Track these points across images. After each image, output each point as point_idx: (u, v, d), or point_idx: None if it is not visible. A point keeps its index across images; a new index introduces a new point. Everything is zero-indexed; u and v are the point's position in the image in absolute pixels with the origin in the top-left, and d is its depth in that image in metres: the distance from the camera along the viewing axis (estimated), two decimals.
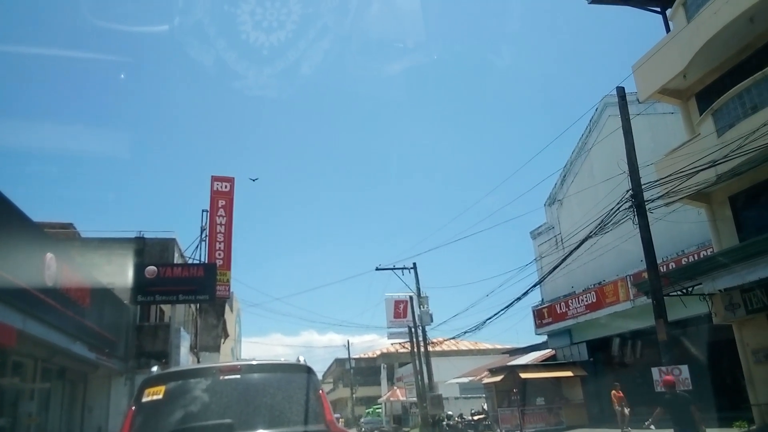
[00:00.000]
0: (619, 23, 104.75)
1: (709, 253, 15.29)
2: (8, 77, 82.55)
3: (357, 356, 58.56)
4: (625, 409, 17.81)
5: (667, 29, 15.68)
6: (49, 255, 10.42)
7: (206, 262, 24.28)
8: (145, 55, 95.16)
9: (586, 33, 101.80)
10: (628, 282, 19.59)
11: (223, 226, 26.21)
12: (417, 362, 30.56)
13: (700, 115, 14.28)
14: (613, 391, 18.34)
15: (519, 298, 19.35)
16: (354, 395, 54.10)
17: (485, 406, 28.76)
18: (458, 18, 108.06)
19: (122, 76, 78.63)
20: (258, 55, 59.71)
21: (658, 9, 16.61)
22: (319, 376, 6.28)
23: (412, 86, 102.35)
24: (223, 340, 32.23)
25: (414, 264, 29.89)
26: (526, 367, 24.63)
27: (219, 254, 25.65)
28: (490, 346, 48.48)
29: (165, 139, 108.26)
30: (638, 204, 12.63)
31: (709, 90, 14.53)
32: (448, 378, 36.22)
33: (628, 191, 13.00)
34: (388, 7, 57.52)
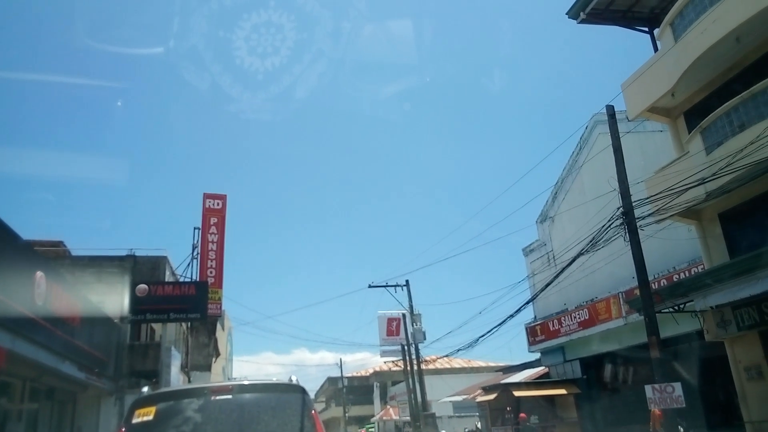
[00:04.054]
0: (609, 43, 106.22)
1: (700, 270, 15.35)
2: (6, 103, 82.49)
3: (349, 375, 58.06)
4: None
5: (655, 48, 15.90)
6: (39, 273, 10.34)
7: (198, 280, 24.14)
8: (141, 77, 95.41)
9: (577, 53, 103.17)
10: (621, 299, 19.60)
11: (215, 244, 26.12)
12: (410, 380, 30.37)
13: (689, 133, 14.42)
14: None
15: (512, 316, 19.26)
16: (347, 414, 53.58)
17: (479, 425, 28.58)
18: (450, 41, 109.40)
19: (119, 103, 78.29)
20: (253, 80, 60.25)
21: (646, 29, 16.86)
22: (312, 395, 6.21)
23: (405, 108, 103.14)
24: (214, 359, 31.95)
25: (407, 281, 29.86)
26: (519, 385, 24.50)
27: (211, 272, 25.53)
28: (483, 364, 48.25)
29: (158, 159, 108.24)
30: (629, 221, 12.70)
31: (698, 108, 14.70)
32: (442, 396, 35.97)
33: (618, 208, 13.08)
34: (381, 31, 58.19)
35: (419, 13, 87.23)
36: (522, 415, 14.26)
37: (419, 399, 28.28)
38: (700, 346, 16.09)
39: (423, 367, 30.04)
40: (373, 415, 49.89)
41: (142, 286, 17.94)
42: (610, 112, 13.43)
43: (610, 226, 13.36)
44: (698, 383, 15.84)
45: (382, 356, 37.80)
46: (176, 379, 20.14)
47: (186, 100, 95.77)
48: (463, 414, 34.26)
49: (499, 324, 20.97)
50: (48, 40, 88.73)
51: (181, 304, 18.72)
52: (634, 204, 12.90)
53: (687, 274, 16.35)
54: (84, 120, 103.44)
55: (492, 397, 25.17)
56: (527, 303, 20.84)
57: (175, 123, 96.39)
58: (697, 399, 15.33)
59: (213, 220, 26.49)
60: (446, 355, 33.03)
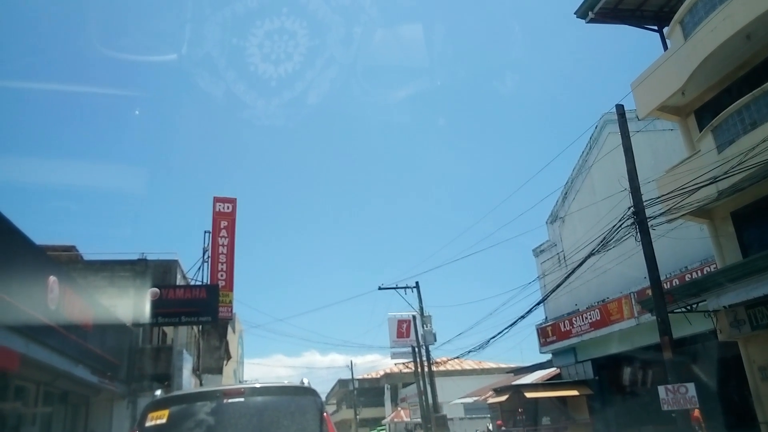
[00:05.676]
0: (618, 42, 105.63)
1: (712, 269, 15.23)
2: (23, 113, 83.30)
3: (360, 377, 58.08)
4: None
5: (665, 47, 15.80)
6: (52, 278, 10.41)
7: (208, 283, 24.23)
8: (154, 84, 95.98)
9: (586, 53, 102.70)
10: (632, 299, 19.47)
11: (225, 248, 26.22)
12: (421, 382, 30.32)
13: (700, 131, 14.32)
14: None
15: (523, 317, 19.19)
16: (358, 417, 53.57)
17: (490, 427, 28.46)
18: (461, 45, 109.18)
19: (137, 112, 78.64)
20: (266, 86, 60.53)
21: (655, 27, 16.76)
22: (323, 397, 6.23)
23: (417, 111, 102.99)
24: (225, 362, 32.02)
25: (417, 283, 29.81)
26: (531, 387, 24.38)
27: (221, 275, 25.63)
28: (494, 366, 48.08)
29: (170, 164, 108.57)
30: (640, 221, 12.62)
31: (708, 106, 14.59)
32: (453, 398, 35.88)
33: (629, 208, 12.99)
34: (392, 35, 58.26)
35: (430, 17, 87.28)
36: (498, 422, 14.68)
37: (430, 401, 28.21)
38: (714, 346, 15.94)
39: (434, 368, 29.96)
40: (384, 417, 49.86)
41: (154, 290, 18.02)
42: (620, 111, 13.36)
43: (621, 225, 13.28)
44: (712, 383, 15.70)
45: (392, 358, 37.72)
46: (188, 382, 20.21)
47: (199, 107, 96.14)
48: (474, 416, 34.13)
49: (510, 325, 20.95)
50: (61, 49, 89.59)
51: (193, 308, 18.79)
52: (645, 203, 12.81)
53: (699, 274, 16.22)
54: (96, 127, 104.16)
55: (504, 398, 25.06)
56: (538, 304, 20.73)
57: (187, 129, 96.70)
58: (712, 399, 15.19)
59: (223, 223, 26.60)
60: (457, 357, 32.88)
